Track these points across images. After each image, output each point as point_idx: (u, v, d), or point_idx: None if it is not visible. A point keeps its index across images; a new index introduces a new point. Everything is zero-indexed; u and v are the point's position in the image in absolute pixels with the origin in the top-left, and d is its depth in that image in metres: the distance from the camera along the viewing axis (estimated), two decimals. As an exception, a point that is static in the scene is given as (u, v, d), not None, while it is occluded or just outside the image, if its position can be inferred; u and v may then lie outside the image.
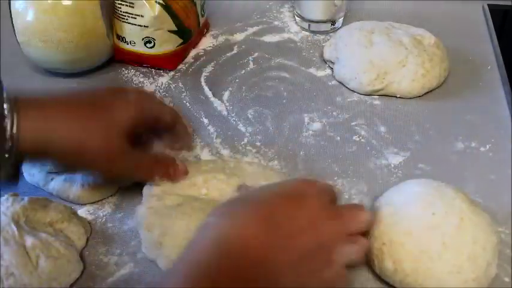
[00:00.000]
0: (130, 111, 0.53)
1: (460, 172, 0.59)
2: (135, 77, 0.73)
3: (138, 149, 0.55)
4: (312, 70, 0.73)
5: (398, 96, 0.68)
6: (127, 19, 0.70)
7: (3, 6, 0.71)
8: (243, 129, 0.65)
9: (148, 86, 0.71)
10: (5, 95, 0.47)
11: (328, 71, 0.73)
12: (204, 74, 0.73)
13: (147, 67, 0.74)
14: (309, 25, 0.79)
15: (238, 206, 0.45)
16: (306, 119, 0.66)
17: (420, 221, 0.48)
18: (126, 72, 0.74)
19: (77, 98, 0.53)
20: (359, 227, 0.47)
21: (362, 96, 0.69)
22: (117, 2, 0.69)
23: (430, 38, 0.70)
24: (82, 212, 0.56)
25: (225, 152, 0.62)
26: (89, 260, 0.52)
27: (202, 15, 0.77)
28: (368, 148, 0.63)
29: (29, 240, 0.48)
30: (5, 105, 0.46)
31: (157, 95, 0.69)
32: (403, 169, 0.60)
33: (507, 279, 0.50)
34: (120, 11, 0.69)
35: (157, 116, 0.56)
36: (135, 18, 0.69)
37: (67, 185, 0.56)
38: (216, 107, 0.68)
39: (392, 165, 0.60)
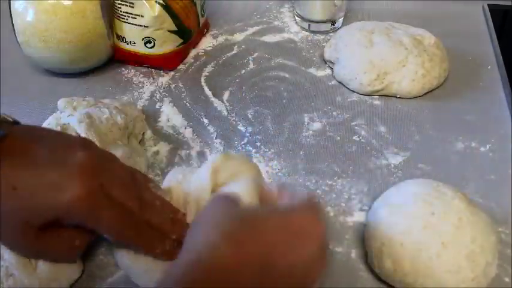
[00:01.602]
0: (49, 212, 0.43)
1: (460, 172, 0.59)
2: (135, 77, 0.73)
3: None
4: (312, 70, 0.73)
5: (398, 96, 0.68)
6: (127, 19, 0.70)
7: (3, 6, 0.72)
8: (243, 129, 0.65)
9: (148, 86, 0.71)
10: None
11: (328, 71, 0.73)
12: (204, 74, 0.73)
13: (147, 67, 0.74)
14: (309, 25, 0.79)
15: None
16: (306, 119, 0.66)
17: (419, 220, 0.48)
18: (126, 72, 0.74)
19: None
20: None
21: (362, 96, 0.69)
22: (117, 2, 0.69)
23: (430, 38, 0.69)
24: (82, 212, 0.56)
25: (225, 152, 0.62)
26: (89, 260, 0.52)
27: (202, 15, 0.77)
28: (368, 148, 0.63)
29: (29, 240, 0.48)
30: None
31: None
32: (403, 169, 0.60)
33: (507, 279, 0.50)
34: (120, 11, 0.69)
35: (91, 226, 0.44)
36: (135, 18, 0.69)
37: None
38: (216, 107, 0.68)
39: (392, 165, 0.60)
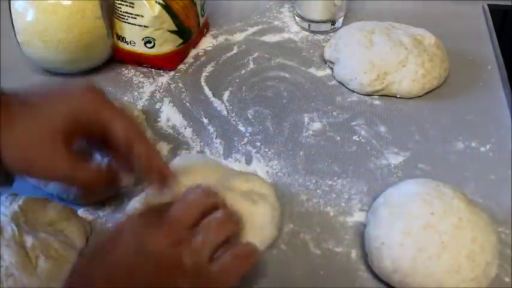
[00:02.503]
0: (66, 110, 0.46)
1: (460, 172, 0.59)
2: (135, 77, 0.73)
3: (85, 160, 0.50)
4: (312, 70, 0.73)
5: (398, 96, 0.68)
6: (127, 19, 0.70)
7: (3, 6, 0.72)
8: (243, 129, 0.65)
9: (148, 86, 0.71)
10: None
11: (328, 71, 0.73)
12: (204, 74, 0.73)
13: (147, 67, 0.74)
14: (309, 25, 0.79)
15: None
16: (306, 119, 0.66)
17: (419, 220, 0.48)
18: (126, 72, 0.74)
19: (24, 97, 0.48)
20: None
21: (362, 96, 0.69)
22: (117, 2, 0.69)
23: (430, 38, 0.69)
24: (82, 212, 0.56)
25: (225, 152, 0.62)
26: (88, 260, 0.52)
27: (202, 15, 0.77)
28: (368, 148, 0.63)
29: (29, 241, 0.48)
30: None
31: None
32: (403, 169, 0.60)
33: (507, 279, 0.50)
34: (120, 11, 0.69)
35: (103, 124, 0.47)
36: (135, 18, 0.69)
37: (67, 185, 0.56)
38: (216, 107, 0.68)
39: (392, 165, 0.60)
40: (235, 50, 0.77)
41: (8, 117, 0.46)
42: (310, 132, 0.65)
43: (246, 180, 0.54)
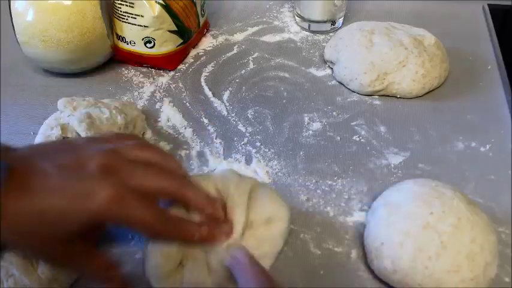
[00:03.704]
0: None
1: (460, 172, 0.59)
2: (135, 77, 0.73)
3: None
4: (312, 70, 0.73)
5: (398, 96, 0.68)
6: (127, 19, 0.70)
7: (3, 6, 0.72)
8: (243, 129, 0.65)
9: (148, 86, 0.71)
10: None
11: (328, 71, 0.73)
12: (204, 74, 0.73)
13: (147, 67, 0.74)
14: (309, 25, 0.79)
15: None
16: (306, 119, 0.66)
17: (418, 220, 0.48)
18: (126, 72, 0.74)
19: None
20: None
21: (362, 96, 0.69)
22: (117, 2, 0.69)
23: (430, 38, 0.70)
24: (82, 212, 0.56)
25: (225, 152, 0.62)
26: (88, 260, 0.52)
27: (202, 15, 0.77)
28: (368, 148, 0.63)
29: (29, 240, 0.48)
30: None
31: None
32: (403, 169, 0.60)
33: (507, 279, 0.50)
34: (120, 11, 0.69)
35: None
36: (135, 18, 0.69)
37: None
38: (216, 107, 0.68)
39: (392, 165, 0.60)
40: (235, 50, 0.77)
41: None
42: (310, 132, 0.65)
43: (268, 221, 0.50)
